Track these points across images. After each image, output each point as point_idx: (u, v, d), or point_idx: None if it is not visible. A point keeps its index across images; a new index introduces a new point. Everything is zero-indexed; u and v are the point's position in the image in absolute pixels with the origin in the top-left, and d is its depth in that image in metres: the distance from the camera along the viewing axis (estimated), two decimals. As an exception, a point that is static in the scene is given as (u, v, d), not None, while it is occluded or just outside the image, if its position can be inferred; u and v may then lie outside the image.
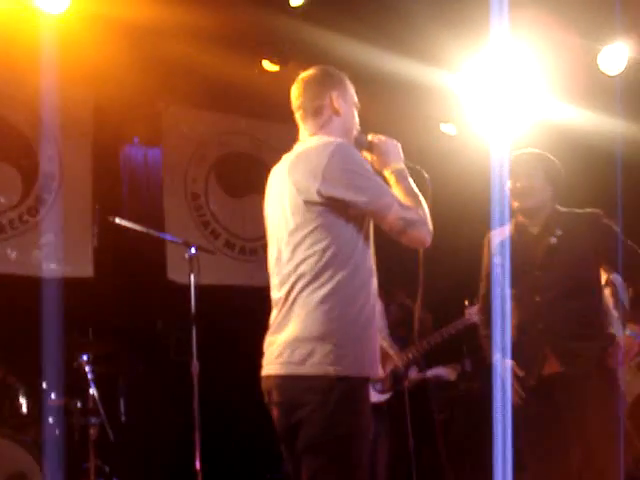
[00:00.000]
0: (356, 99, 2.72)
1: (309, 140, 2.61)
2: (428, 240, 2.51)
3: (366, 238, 2.54)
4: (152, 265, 5.62)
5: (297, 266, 2.46)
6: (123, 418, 4.73)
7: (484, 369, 5.39)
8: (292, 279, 2.47)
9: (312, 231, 2.45)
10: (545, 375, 3.33)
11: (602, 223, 3.45)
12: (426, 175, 2.71)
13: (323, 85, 2.66)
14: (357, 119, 2.72)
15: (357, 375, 2.43)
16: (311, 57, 5.09)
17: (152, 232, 4.40)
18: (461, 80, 5.38)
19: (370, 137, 2.71)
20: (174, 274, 5.61)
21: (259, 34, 5.00)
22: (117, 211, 4.78)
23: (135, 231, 4.49)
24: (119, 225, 4.46)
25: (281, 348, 2.47)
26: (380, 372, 2.57)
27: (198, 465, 4.01)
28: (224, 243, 6.16)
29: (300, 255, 2.46)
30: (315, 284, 2.43)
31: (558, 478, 3.33)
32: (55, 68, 5.12)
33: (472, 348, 5.05)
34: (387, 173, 2.64)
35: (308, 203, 2.46)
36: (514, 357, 3.44)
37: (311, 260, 2.44)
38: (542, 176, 3.44)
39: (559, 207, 3.51)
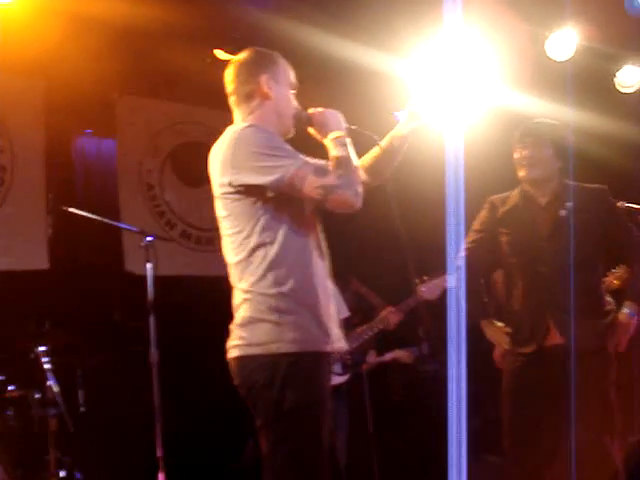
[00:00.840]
0: (293, 78, 2.74)
1: (227, 130, 2.64)
2: (354, 202, 2.49)
3: (295, 215, 2.56)
4: (109, 256, 5.59)
5: (235, 254, 2.55)
6: (82, 409, 4.70)
7: (442, 351, 5.49)
8: (233, 267, 2.58)
9: (236, 219, 2.53)
10: (547, 346, 3.37)
11: (609, 200, 3.51)
12: (376, 137, 2.71)
13: (253, 68, 2.68)
14: (293, 99, 2.72)
15: (302, 350, 2.46)
16: (264, 45, 5.11)
17: (108, 221, 4.39)
18: (413, 66, 5.41)
19: (310, 111, 2.70)
20: (131, 265, 5.58)
21: (211, 22, 4.98)
22: (72, 203, 4.72)
23: (91, 222, 4.48)
24: (74, 216, 4.44)
25: (232, 333, 2.57)
26: (334, 347, 2.58)
27: (159, 453, 4.03)
28: (180, 233, 6.13)
29: (233, 243, 2.55)
30: (250, 268, 2.51)
31: (541, 445, 3.38)
32: (4, 58, 5.06)
33: (428, 330, 5.11)
34: (326, 142, 2.63)
35: (226, 194, 2.54)
36: (515, 325, 3.49)
37: (241, 247, 2.52)
38: (551, 147, 3.45)
39: (567, 180, 3.51)
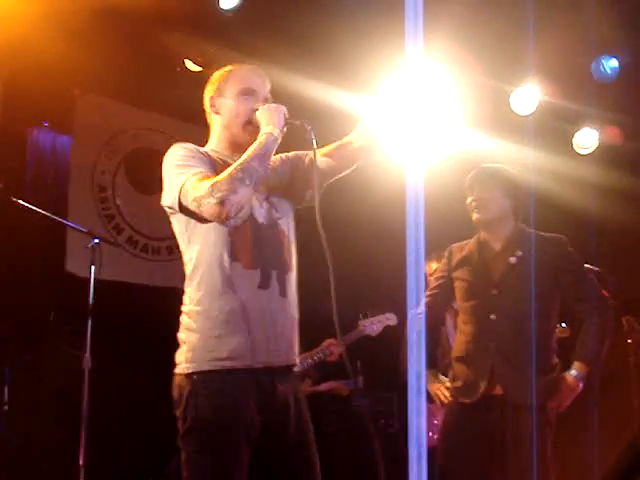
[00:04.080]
0: (247, 84, 2.64)
1: None
2: (221, 211, 2.33)
3: (208, 230, 2.48)
4: (50, 254, 5.46)
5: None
6: (5, 407, 4.56)
7: (376, 386, 5.50)
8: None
9: (176, 240, 2.58)
10: (487, 394, 3.32)
11: (566, 249, 3.44)
12: (308, 127, 2.58)
13: (205, 92, 2.71)
14: (244, 106, 2.61)
15: (208, 369, 2.42)
16: (233, 62, 5.10)
17: (57, 218, 4.30)
18: (375, 103, 5.45)
19: (259, 108, 2.59)
20: (72, 266, 5.47)
21: (185, 32, 4.95)
22: (20, 195, 4.60)
23: (35, 218, 4.37)
24: (20, 209, 4.33)
25: None
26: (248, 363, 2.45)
27: (82, 461, 3.92)
28: (127, 239, 6.03)
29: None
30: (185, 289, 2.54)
31: None
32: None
33: (366, 364, 5.11)
34: None
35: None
36: (460, 370, 3.46)
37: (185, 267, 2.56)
38: (498, 188, 3.45)
39: (524, 226, 3.49)
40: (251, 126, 2.58)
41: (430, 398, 3.64)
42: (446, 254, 3.65)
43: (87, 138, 5.89)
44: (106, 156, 6.02)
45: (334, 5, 4.75)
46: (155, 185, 5.99)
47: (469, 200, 3.53)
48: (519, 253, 3.39)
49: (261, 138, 2.49)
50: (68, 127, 5.84)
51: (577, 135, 5.73)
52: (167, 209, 2.53)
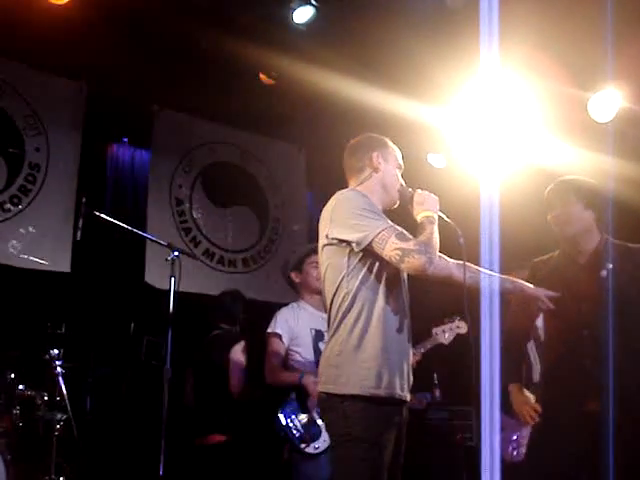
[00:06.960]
0: (400, 160, 3.08)
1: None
2: (426, 267, 2.72)
3: (376, 274, 2.80)
4: (130, 267, 5.58)
5: (325, 298, 2.88)
6: (88, 416, 4.66)
7: (454, 400, 5.42)
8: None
9: (326, 269, 2.85)
10: (586, 411, 3.20)
11: None
12: (459, 232, 2.92)
13: (366, 147, 3.05)
14: (399, 177, 3.04)
15: (358, 394, 2.71)
16: (306, 78, 5.15)
17: (138, 232, 4.37)
18: (450, 114, 5.41)
19: (412, 191, 2.99)
20: (151, 278, 5.58)
21: (259, 46, 5.01)
22: (100, 209, 4.71)
23: (116, 232, 4.45)
24: (101, 223, 4.41)
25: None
26: (388, 392, 2.73)
27: (161, 471, 3.95)
28: (204, 251, 6.13)
29: (325, 287, 2.87)
30: (331, 317, 2.83)
31: None
32: (51, 58, 5.11)
33: (443, 377, 5.05)
34: (418, 218, 2.91)
35: (324, 246, 2.86)
36: (550, 388, 3.37)
37: (330, 293, 2.83)
38: (579, 201, 3.34)
39: (609, 238, 3.37)
40: (399, 195, 3.02)
41: (511, 412, 3.56)
42: (529, 269, 3.54)
43: (165, 152, 6.02)
44: (183, 170, 6.13)
45: (407, 16, 4.74)
46: (231, 198, 6.19)
47: (550, 217, 3.41)
48: (609, 266, 3.26)
49: (431, 219, 2.87)
50: (147, 142, 5.98)
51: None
52: (334, 240, 2.80)
